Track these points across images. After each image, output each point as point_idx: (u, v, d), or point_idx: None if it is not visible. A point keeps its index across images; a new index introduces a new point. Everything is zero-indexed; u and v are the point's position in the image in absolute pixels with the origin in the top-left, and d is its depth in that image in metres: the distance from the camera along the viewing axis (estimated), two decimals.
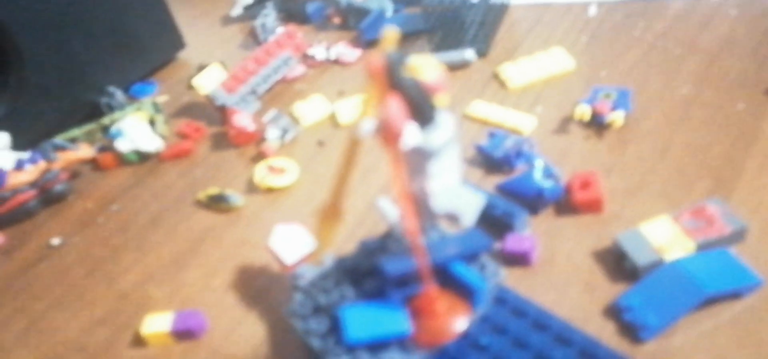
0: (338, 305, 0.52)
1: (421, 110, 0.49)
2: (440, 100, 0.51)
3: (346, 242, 0.69)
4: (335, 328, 0.50)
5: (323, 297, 0.54)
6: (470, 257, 0.52)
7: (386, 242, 0.57)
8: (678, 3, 1.02)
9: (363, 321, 0.49)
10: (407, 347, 0.48)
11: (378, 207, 0.57)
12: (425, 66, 0.50)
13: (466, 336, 0.50)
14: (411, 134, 0.48)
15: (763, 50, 0.87)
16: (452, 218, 0.53)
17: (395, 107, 0.46)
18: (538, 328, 0.51)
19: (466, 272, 0.51)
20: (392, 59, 0.46)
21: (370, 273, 0.55)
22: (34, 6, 0.99)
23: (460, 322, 0.50)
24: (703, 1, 1.01)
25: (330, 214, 0.55)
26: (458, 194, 0.53)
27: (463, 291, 0.50)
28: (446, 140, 0.51)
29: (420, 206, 0.53)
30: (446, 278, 0.51)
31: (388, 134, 0.46)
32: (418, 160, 0.51)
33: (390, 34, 0.47)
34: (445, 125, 0.51)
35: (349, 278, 0.55)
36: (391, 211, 0.56)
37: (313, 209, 0.78)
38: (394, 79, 0.47)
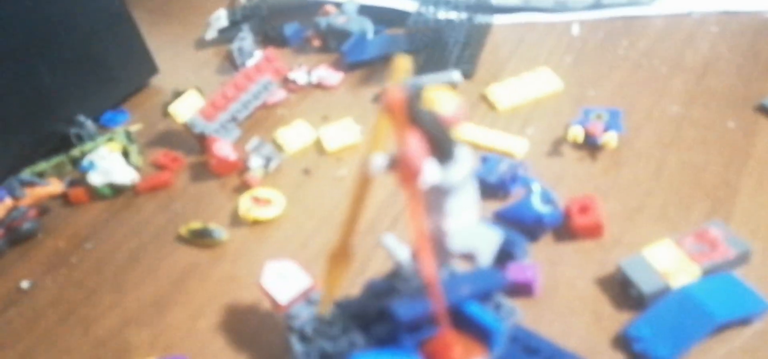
0: (347, 354, 0.49)
1: (441, 145, 0.47)
2: (458, 133, 0.48)
3: (349, 284, 0.66)
4: None
5: (330, 344, 0.51)
6: (484, 296, 0.50)
7: (394, 283, 0.54)
8: (658, 21, 1.02)
9: None
10: None
11: (383, 245, 0.55)
12: (442, 97, 0.47)
13: None
14: (431, 171, 0.46)
15: (748, 67, 0.87)
16: (469, 257, 0.51)
17: (415, 143, 0.44)
18: None
19: (482, 313, 0.48)
20: (411, 92, 0.44)
21: (378, 316, 0.52)
22: None
23: None
24: (682, 18, 1.01)
25: (339, 256, 0.52)
26: (476, 233, 0.50)
27: (478, 332, 0.48)
28: (466, 175, 0.48)
29: (435, 245, 0.50)
30: (460, 318, 0.48)
31: (407, 171, 0.44)
32: (436, 197, 0.49)
33: (402, 63, 0.45)
34: (463, 159, 0.48)
35: (356, 323, 0.52)
36: (398, 248, 0.54)
37: (302, 244, 0.77)
38: (413, 114, 0.44)
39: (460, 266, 0.54)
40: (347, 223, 0.50)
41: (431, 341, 0.48)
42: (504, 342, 0.49)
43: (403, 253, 0.53)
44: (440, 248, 0.50)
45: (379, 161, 0.46)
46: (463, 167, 0.48)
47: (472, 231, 0.51)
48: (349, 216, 0.50)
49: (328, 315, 0.55)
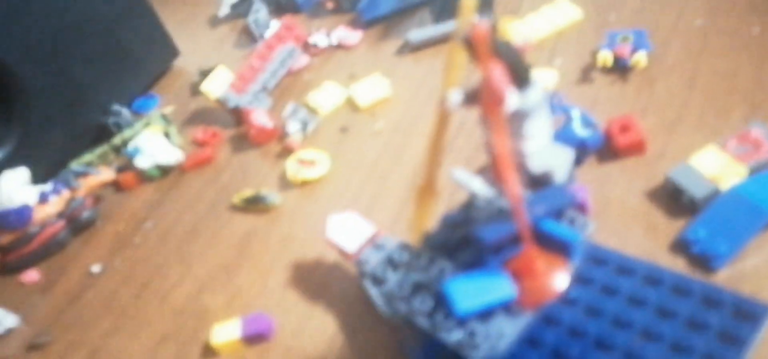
0: (439, 280, 0.53)
1: (519, 72, 0.50)
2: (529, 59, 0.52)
3: (399, 234, 0.69)
4: (440, 304, 0.51)
5: (421, 275, 0.55)
6: (558, 213, 0.53)
7: (469, 213, 0.57)
8: None
9: (469, 292, 0.49)
10: (513, 311, 0.49)
11: (455, 179, 0.58)
12: (512, 28, 0.51)
13: None
14: (514, 97, 0.49)
15: None
16: (547, 176, 0.54)
17: (500, 72, 0.46)
18: (624, 273, 0.52)
19: (558, 228, 0.51)
20: (490, 26, 0.47)
21: (460, 244, 0.55)
22: (28, 37, 0.97)
23: (560, 278, 0.51)
24: None
25: (426, 192, 0.55)
26: (551, 152, 0.54)
27: (557, 247, 0.51)
28: (541, 98, 0.51)
29: (516, 167, 0.54)
30: (537, 236, 0.51)
31: (493, 100, 0.47)
32: (515, 122, 0.52)
33: (469, 2, 0.47)
34: (537, 84, 0.52)
35: (441, 253, 0.56)
36: (470, 180, 0.57)
37: (354, 197, 0.80)
38: (493, 45, 0.47)
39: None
40: (430, 159, 0.54)
41: (515, 259, 0.51)
42: (581, 253, 0.52)
43: (475, 183, 0.56)
44: (521, 170, 0.54)
45: (455, 96, 0.49)
46: (538, 90, 0.51)
47: (547, 151, 0.54)
48: (431, 153, 0.53)
49: (415, 249, 0.59)
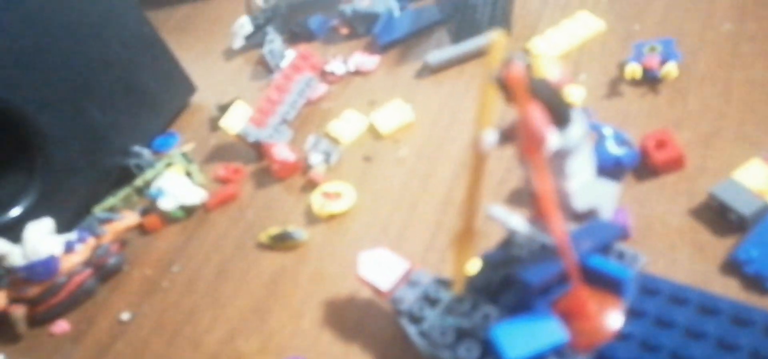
0: (484, 327, 0.51)
1: (558, 111, 0.48)
2: (569, 95, 0.50)
3: (430, 265, 0.68)
4: (487, 352, 0.49)
5: (465, 321, 0.53)
6: (605, 247, 0.51)
7: (508, 251, 0.55)
8: None
9: (518, 337, 0.47)
10: (565, 355, 0.47)
11: (492, 216, 0.56)
12: (547, 64, 0.49)
13: None
14: (554, 137, 0.48)
15: None
16: (592, 212, 0.52)
17: (538, 113, 0.45)
18: (678, 303, 0.50)
19: (607, 264, 0.49)
20: (526, 66, 0.45)
21: (502, 286, 0.53)
22: (47, 84, 0.97)
23: (614, 318, 0.49)
24: None
25: (464, 237, 0.53)
26: (596, 188, 0.52)
27: (607, 284, 0.49)
28: (582, 135, 0.50)
29: (560, 206, 0.51)
30: (585, 274, 0.49)
31: (533, 142, 0.45)
32: (556, 161, 0.50)
33: (499, 40, 0.46)
34: (578, 120, 0.50)
35: (483, 297, 0.54)
36: (508, 217, 0.55)
37: (382, 229, 0.78)
38: (530, 85, 0.46)
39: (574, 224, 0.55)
40: (468, 203, 0.52)
41: (563, 300, 0.49)
42: (634, 286, 0.50)
43: (514, 220, 0.54)
44: (565, 209, 0.52)
45: (490, 137, 0.47)
46: (579, 127, 0.49)
47: (591, 187, 0.52)
48: (468, 196, 0.51)
49: (457, 294, 0.57)
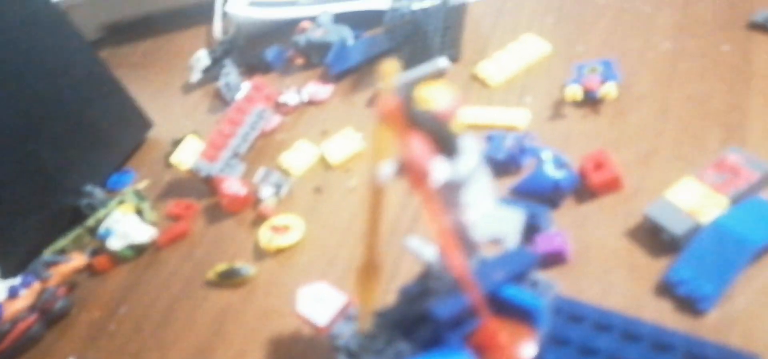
0: None
1: (444, 141, 0.46)
2: (458, 124, 0.48)
3: (383, 293, 0.67)
4: None
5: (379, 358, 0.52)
6: (519, 276, 0.50)
7: (426, 283, 0.54)
8: None
9: None
10: None
11: (408, 248, 0.55)
12: (434, 92, 0.47)
13: None
14: (440, 169, 0.46)
15: None
16: (496, 242, 0.51)
17: (419, 145, 0.44)
18: (602, 330, 0.49)
19: (520, 294, 0.49)
20: (405, 96, 0.44)
21: (418, 320, 0.52)
22: None
23: (527, 348, 0.48)
24: None
25: (368, 272, 0.52)
26: (498, 217, 0.50)
27: (521, 315, 0.48)
28: (475, 164, 0.48)
29: (460, 239, 0.50)
30: (500, 305, 0.48)
31: (416, 175, 0.44)
32: (450, 193, 0.49)
33: (390, 67, 0.44)
34: (469, 148, 0.48)
35: (398, 331, 0.53)
36: (424, 249, 0.54)
37: (329, 262, 0.77)
38: (410, 117, 0.44)
39: (489, 253, 0.54)
40: (369, 236, 0.50)
41: (476, 333, 0.48)
42: (548, 318, 0.49)
43: (429, 252, 0.53)
44: (466, 241, 0.51)
45: (386, 169, 0.46)
46: (471, 155, 0.48)
47: (493, 216, 0.51)
48: (369, 229, 0.50)
49: (370, 330, 0.56)
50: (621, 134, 0.74)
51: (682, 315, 0.54)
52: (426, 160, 0.44)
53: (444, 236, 0.46)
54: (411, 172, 0.44)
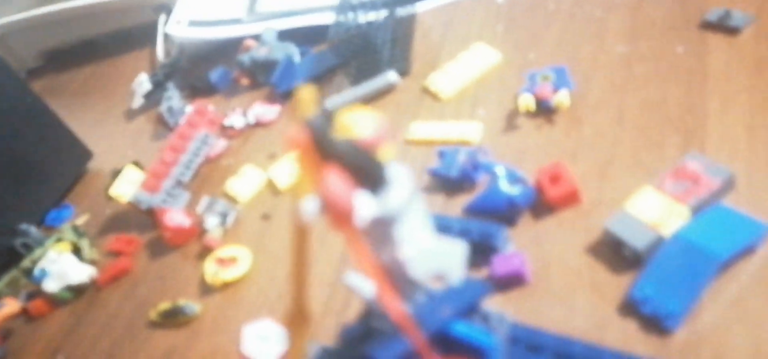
0: None
1: (368, 173, 0.40)
2: (386, 153, 0.42)
3: (324, 331, 0.62)
4: None
5: None
6: (469, 310, 0.46)
7: (369, 322, 0.50)
8: None
9: None
10: None
11: (348, 285, 0.50)
12: (357, 119, 0.40)
13: None
14: (364, 206, 0.40)
15: None
16: (438, 278, 0.46)
17: (336, 180, 0.38)
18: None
19: (470, 330, 0.45)
20: (316, 125, 0.37)
21: None
22: None
23: None
24: None
25: (296, 319, 0.46)
26: (437, 251, 0.46)
27: (473, 352, 0.44)
28: (406, 196, 0.43)
29: (397, 277, 0.45)
30: (449, 343, 0.44)
31: (336, 214, 0.38)
32: (381, 229, 0.43)
33: (304, 92, 0.38)
34: (400, 179, 0.43)
35: None
36: (363, 285, 0.49)
37: (278, 295, 0.73)
38: (325, 148, 0.38)
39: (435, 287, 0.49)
40: (295, 281, 0.44)
41: None
42: (501, 353, 0.46)
43: (369, 289, 0.48)
44: (402, 278, 0.46)
45: (310, 205, 0.39)
46: (402, 187, 0.43)
47: (432, 251, 0.46)
48: (295, 273, 0.44)
49: None
50: (577, 144, 0.71)
51: (648, 336, 0.51)
52: (345, 196, 0.38)
53: (375, 278, 0.41)
54: (330, 210, 0.38)
